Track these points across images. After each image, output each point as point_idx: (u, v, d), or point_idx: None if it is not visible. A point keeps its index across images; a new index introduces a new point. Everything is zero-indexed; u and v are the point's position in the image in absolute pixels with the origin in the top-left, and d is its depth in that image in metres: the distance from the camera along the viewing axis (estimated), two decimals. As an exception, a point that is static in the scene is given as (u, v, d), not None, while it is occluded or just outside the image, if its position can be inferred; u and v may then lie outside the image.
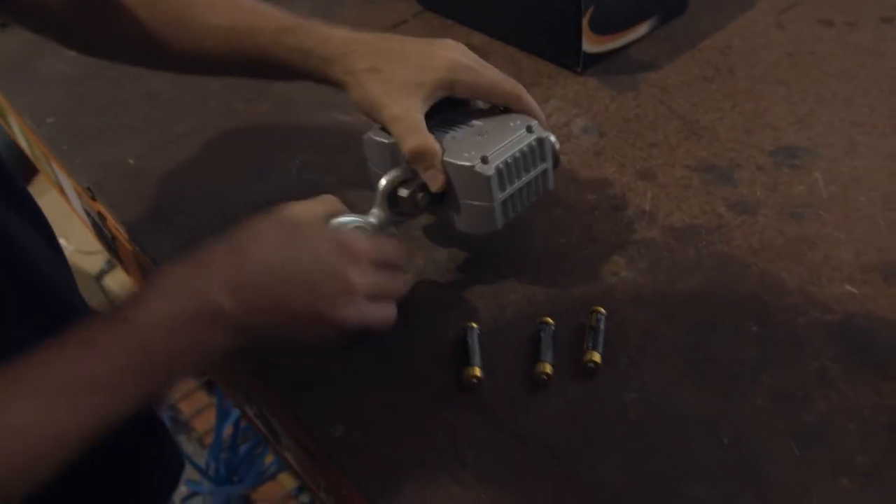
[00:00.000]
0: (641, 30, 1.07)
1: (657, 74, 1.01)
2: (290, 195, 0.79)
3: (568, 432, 0.67)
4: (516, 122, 0.76)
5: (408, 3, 1.20)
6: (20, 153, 1.30)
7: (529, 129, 0.75)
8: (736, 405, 0.67)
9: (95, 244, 1.28)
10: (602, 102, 0.98)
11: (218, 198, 0.93)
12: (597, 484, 0.64)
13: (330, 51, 0.76)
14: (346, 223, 0.71)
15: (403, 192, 0.74)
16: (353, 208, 0.73)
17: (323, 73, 0.77)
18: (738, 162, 0.88)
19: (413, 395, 0.71)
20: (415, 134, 0.73)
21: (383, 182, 0.74)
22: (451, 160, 0.72)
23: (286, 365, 0.75)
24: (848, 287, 0.75)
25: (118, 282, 1.85)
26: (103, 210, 0.97)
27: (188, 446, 1.78)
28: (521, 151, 0.73)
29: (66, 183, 1.08)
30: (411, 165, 0.74)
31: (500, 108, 0.78)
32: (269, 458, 1.64)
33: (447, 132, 0.75)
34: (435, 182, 0.73)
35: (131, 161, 1.00)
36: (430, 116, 0.74)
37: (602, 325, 0.72)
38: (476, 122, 0.77)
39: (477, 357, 0.72)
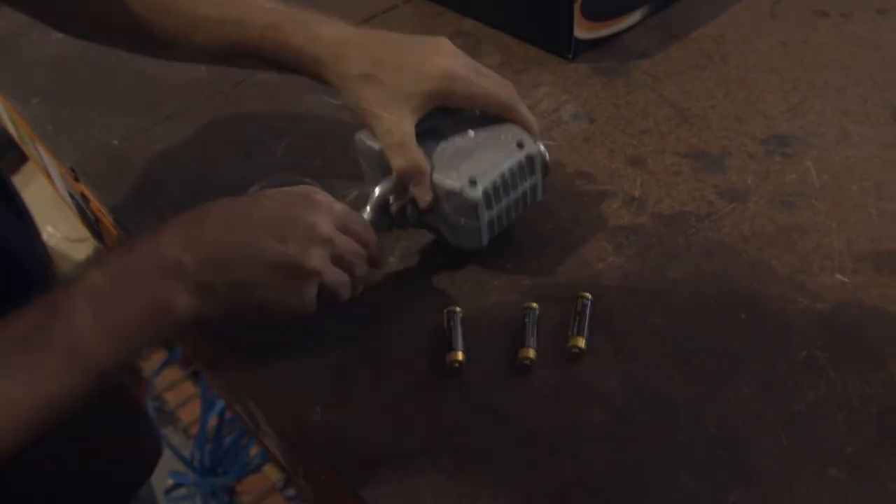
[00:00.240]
0: (634, 18, 1.05)
1: (649, 62, 1.00)
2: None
3: (551, 418, 0.66)
4: (507, 136, 0.75)
5: (399, -12, 1.18)
6: (9, 140, 1.28)
7: (520, 145, 0.74)
8: (723, 393, 0.66)
9: (83, 232, 1.27)
10: (593, 89, 0.97)
11: (202, 179, 0.91)
12: (580, 471, 0.63)
13: (321, 52, 0.75)
14: None
15: (393, 206, 0.74)
16: (338, 193, 0.73)
17: (314, 73, 0.76)
18: (729, 150, 0.87)
19: (394, 380, 0.70)
20: (404, 151, 0.72)
21: (376, 192, 0.74)
22: (440, 180, 0.72)
23: (265, 346, 0.73)
24: (839, 276, 0.73)
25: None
26: (86, 192, 0.95)
27: (174, 437, 1.77)
28: (510, 170, 0.73)
29: (51, 164, 1.07)
30: (399, 181, 0.73)
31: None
32: (254, 450, 1.63)
33: (437, 143, 0.75)
34: (423, 199, 0.73)
35: (116, 142, 0.98)
36: (421, 123, 0.74)
37: (588, 311, 0.71)
38: (468, 133, 0.76)
39: (459, 342, 0.70)
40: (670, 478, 0.62)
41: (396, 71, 0.73)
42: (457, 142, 0.75)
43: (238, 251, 0.62)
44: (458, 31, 1.10)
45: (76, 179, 0.96)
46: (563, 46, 1.01)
